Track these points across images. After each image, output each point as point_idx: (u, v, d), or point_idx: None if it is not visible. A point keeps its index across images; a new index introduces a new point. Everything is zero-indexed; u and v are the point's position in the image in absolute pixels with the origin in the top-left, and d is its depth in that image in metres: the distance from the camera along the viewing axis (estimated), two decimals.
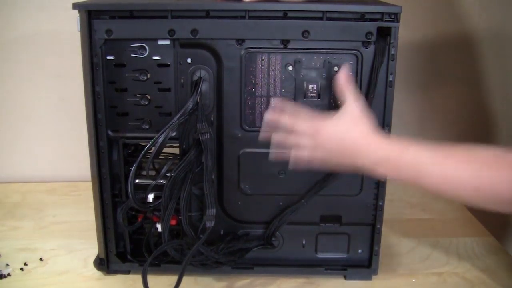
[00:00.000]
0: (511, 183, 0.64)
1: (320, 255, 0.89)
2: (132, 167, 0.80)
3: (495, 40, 1.17)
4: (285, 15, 0.77)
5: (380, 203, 0.85)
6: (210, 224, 0.80)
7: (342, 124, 0.72)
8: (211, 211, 0.80)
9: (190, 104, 0.79)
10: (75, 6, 0.76)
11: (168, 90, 0.81)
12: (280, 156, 0.75)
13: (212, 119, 0.82)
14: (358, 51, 0.78)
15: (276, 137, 0.74)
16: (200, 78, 0.80)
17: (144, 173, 0.84)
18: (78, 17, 0.76)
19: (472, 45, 1.20)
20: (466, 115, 1.26)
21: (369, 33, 0.77)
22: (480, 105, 1.22)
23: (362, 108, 0.73)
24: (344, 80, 0.75)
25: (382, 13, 0.77)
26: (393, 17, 0.77)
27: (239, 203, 0.86)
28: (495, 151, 0.66)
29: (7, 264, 0.91)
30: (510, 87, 1.16)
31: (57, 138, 1.26)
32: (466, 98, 1.25)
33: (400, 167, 0.68)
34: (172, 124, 0.78)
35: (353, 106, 0.73)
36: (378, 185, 0.84)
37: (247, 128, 0.82)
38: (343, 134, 0.71)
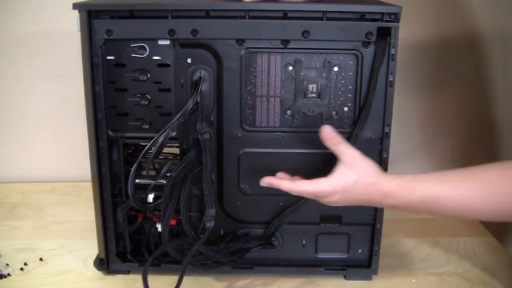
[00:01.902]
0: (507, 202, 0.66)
1: (320, 255, 0.89)
2: (132, 167, 0.80)
3: (497, 40, 1.17)
4: (285, 15, 0.77)
5: None
6: (210, 224, 0.80)
7: (347, 186, 0.71)
8: (211, 211, 0.80)
9: (190, 104, 0.79)
10: (75, 6, 0.76)
11: (168, 90, 0.81)
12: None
13: (212, 119, 0.82)
14: (358, 51, 0.78)
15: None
16: (200, 78, 0.80)
17: (144, 173, 0.84)
18: (78, 17, 0.76)
19: (474, 45, 1.20)
20: (468, 116, 1.26)
21: (369, 33, 0.77)
22: (483, 105, 1.22)
23: (360, 156, 0.73)
24: (330, 135, 0.73)
25: (382, 13, 0.77)
26: (393, 17, 0.77)
27: (239, 203, 0.86)
28: (501, 166, 0.68)
29: (7, 264, 0.91)
30: (509, 88, 1.16)
31: (57, 138, 1.26)
32: (468, 99, 1.25)
33: (414, 206, 0.70)
34: (172, 124, 0.78)
35: (353, 164, 0.72)
36: None
37: (247, 128, 0.82)
38: (350, 196, 0.72)
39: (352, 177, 0.72)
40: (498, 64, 1.18)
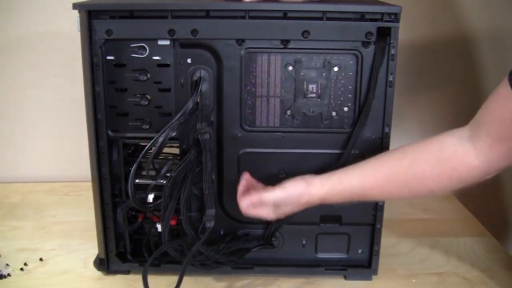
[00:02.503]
0: (430, 161, 0.70)
1: (320, 255, 0.89)
2: (132, 167, 0.80)
3: (497, 40, 1.17)
4: (285, 15, 0.77)
5: (380, 203, 0.85)
6: (210, 224, 0.80)
7: (299, 193, 0.76)
8: (211, 211, 0.80)
9: (190, 104, 0.79)
10: (75, 6, 0.76)
11: (168, 90, 0.81)
12: None
13: (212, 119, 0.82)
14: (358, 51, 0.78)
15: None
16: (200, 78, 0.80)
17: (144, 173, 0.84)
18: (78, 17, 0.76)
19: (472, 45, 1.20)
20: (466, 115, 1.26)
21: (369, 33, 0.77)
22: (480, 105, 1.22)
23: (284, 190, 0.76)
24: (248, 203, 0.77)
25: (382, 13, 0.77)
26: (393, 17, 0.77)
27: None
28: (414, 149, 0.73)
29: (7, 264, 0.91)
30: None
31: (57, 138, 1.26)
32: (468, 99, 1.25)
33: (340, 197, 0.75)
34: (172, 124, 0.78)
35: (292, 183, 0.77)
36: None
37: (247, 128, 0.82)
38: (302, 199, 0.76)
39: (303, 187, 0.76)
40: (496, 64, 1.18)
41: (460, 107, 1.26)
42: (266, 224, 0.86)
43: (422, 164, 0.71)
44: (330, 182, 0.75)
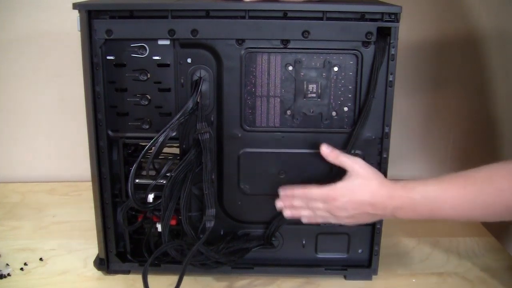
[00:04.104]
0: (501, 197, 0.67)
1: (320, 255, 0.89)
2: (132, 167, 0.80)
3: (497, 40, 1.17)
4: (285, 15, 0.77)
5: None
6: (210, 224, 0.80)
7: (354, 189, 0.76)
8: (211, 211, 0.80)
9: (190, 104, 0.79)
10: (75, 6, 0.76)
11: (168, 90, 0.81)
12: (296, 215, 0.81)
13: (212, 119, 0.82)
14: (358, 51, 0.78)
15: (293, 203, 0.80)
16: (200, 78, 0.80)
17: (144, 173, 0.84)
18: (78, 17, 0.76)
19: (474, 45, 1.20)
20: (468, 116, 1.26)
21: (369, 33, 0.77)
22: (482, 105, 1.22)
23: (362, 162, 0.77)
24: (331, 153, 0.79)
25: (382, 13, 0.77)
26: (393, 17, 0.77)
27: (239, 203, 0.86)
28: (490, 167, 0.70)
29: (7, 264, 0.91)
30: (509, 88, 1.16)
31: (57, 138, 1.26)
32: (468, 99, 1.25)
33: (414, 210, 0.74)
34: (172, 124, 0.78)
35: (357, 168, 0.76)
36: None
37: (247, 128, 0.82)
38: (357, 198, 0.75)
39: (357, 180, 0.76)
40: (498, 64, 1.18)
41: (461, 107, 1.26)
42: (266, 224, 0.86)
43: (502, 182, 0.68)
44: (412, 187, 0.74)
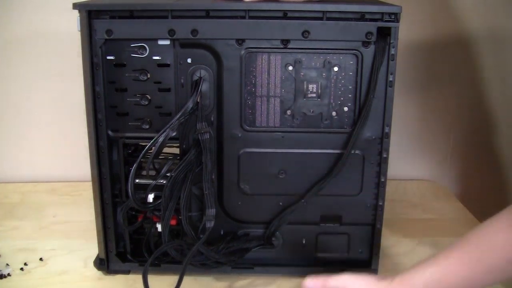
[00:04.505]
0: (503, 229, 0.62)
1: (320, 255, 0.89)
2: (132, 167, 0.80)
3: (495, 40, 1.17)
4: (285, 15, 0.77)
5: (380, 203, 0.85)
6: (210, 224, 0.80)
7: None
8: (211, 211, 0.80)
9: (190, 104, 0.79)
10: (75, 6, 0.76)
11: (168, 90, 0.81)
12: None
13: (212, 119, 0.82)
14: (358, 51, 0.78)
15: None
16: (200, 78, 0.80)
17: (144, 173, 0.84)
18: (78, 17, 0.76)
19: (474, 45, 1.20)
20: (468, 116, 1.27)
21: (369, 33, 0.77)
22: (482, 105, 1.22)
23: (354, 279, 0.71)
24: (316, 283, 0.73)
25: (382, 13, 0.77)
26: (393, 17, 0.77)
27: (239, 203, 0.86)
28: (483, 226, 0.65)
29: (7, 264, 0.91)
30: (509, 88, 1.16)
31: (57, 138, 1.26)
32: (468, 99, 1.25)
33: None
34: (172, 124, 0.78)
35: (344, 283, 0.71)
36: (378, 185, 0.84)
37: (247, 128, 0.82)
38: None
39: None
40: (498, 64, 1.18)
41: (461, 107, 1.26)
42: (266, 224, 0.86)
43: (497, 237, 0.63)
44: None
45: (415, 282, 0.66)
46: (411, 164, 1.29)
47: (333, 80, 0.80)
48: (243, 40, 0.78)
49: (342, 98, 0.81)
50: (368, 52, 0.78)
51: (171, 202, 0.81)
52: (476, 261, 0.63)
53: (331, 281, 0.71)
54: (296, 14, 0.77)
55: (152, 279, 0.78)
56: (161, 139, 0.78)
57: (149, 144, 0.79)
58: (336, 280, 0.71)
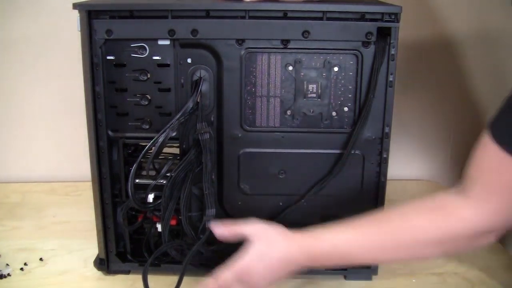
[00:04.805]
0: (422, 212, 0.66)
1: None
2: (132, 167, 0.80)
3: (494, 41, 1.17)
4: (285, 15, 0.77)
5: (380, 203, 0.85)
6: (210, 224, 0.80)
7: (262, 256, 0.70)
8: (211, 211, 0.80)
9: (190, 104, 0.79)
10: (75, 6, 0.76)
11: (168, 90, 0.81)
12: None
13: (212, 119, 0.82)
14: (358, 51, 0.78)
15: None
16: (200, 78, 0.80)
17: (144, 173, 0.84)
18: (78, 17, 0.76)
19: (474, 44, 1.20)
20: (468, 116, 1.26)
21: (369, 33, 0.77)
22: (482, 105, 1.22)
23: (263, 227, 0.72)
24: (225, 231, 0.74)
25: (382, 13, 0.77)
26: (393, 17, 0.77)
27: (239, 203, 0.86)
28: (405, 205, 0.69)
29: (7, 264, 0.91)
30: (508, 87, 1.16)
31: (57, 138, 1.26)
32: (468, 99, 1.25)
33: (327, 259, 0.70)
34: (172, 124, 0.78)
35: (254, 232, 0.71)
36: (378, 185, 0.84)
37: (247, 128, 0.82)
38: (269, 263, 0.70)
39: (263, 245, 0.70)
40: (497, 64, 1.18)
41: (461, 106, 1.26)
42: None
43: (415, 217, 0.67)
44: (316, 237, 0.70)
45: (323, 240, 0.69)
46: (411, 164, 1.29)
47: (333, 80, 0.80)
48: (243, 40, 0.78)
49: (342, 98, 0.81)
50: (368, 52, 0.78)
51: (171, 202, 0.81)
52: (391, 234, 0.66)
53: (238, 229, 0.72)
54: (296, 14, 0.77)
55: (152, 279, 0.78)
56: (161, 139, 0.78)
57: (149, 144, 0.79)
58: (245, 227, 0.72)
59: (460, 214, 0.64)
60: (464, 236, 0.65)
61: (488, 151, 0.62)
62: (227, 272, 0.70)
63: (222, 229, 0.74)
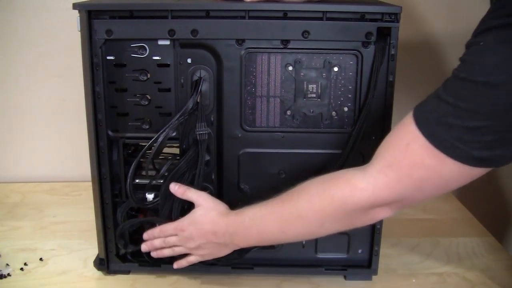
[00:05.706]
0: (318, 183, 0.71)
1: (320, 255, 0.89)
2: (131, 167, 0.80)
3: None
4: (285, 15, 0.77)
5: None
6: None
7: (196, 218, 0.79)
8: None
9: (190, 104, 0.79)
10: (75, 6, 0.76)
11: (168, 90, 0.81)
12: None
13: (212, 119, 0.82)
14: (358, 51, 0.78)
15: (154, 244, 0.83)
16: (200, 78, 0.80)
17: (144, 173, 0.84)
18: (78, 17, 0.76)
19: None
20: None
21: (369, 33, 0.77)
22: None
23: (208, 198, 0.80)
24: (178, 189, 0.81)
25: (382, 13, 0.77)
26: (393, 17, 0.77)
27: (239, 203, 0.85)
28: (310, 181, 0.72)
29: (7, 264, 0.91)
30: None
31: (57, 138, 1.26)
32: None
33: (246, 235, 0.76)
34: (172, 124, 0.78)
35: (200, 201, 0.80)
36: None
37: (247, 128, 0.82)
38: (200, 227, 0.79)
39: (200, 211, 0.79)
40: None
41: None
42: None
43: (313, 187, 0.71)
44: (235, 214, 0.77)
45: (244, 215, 0.76)
46: None
47: (333, 80, 0.80)
48: (243, 40, 0.78)
49: (342, 98, 0.81)
50: (368, 52, 0.78)
51: (170, 202, 0.81)
52: (290, 206, 0.72)
53: (189, 193, 0.81)
54: (296, 14, 0.77)
55: (152, 279, 0.79)
56: (160, 139, 0.78)
57: (149, 143, 0.79)
58: (194, 194, 0.80)
59: (356, 184, 0.66)
60: (359, 206, 0.67)
61: (403, 129, 0.64)
62: (170, 224, 0.81)
63: (177, 187, 0.81)
